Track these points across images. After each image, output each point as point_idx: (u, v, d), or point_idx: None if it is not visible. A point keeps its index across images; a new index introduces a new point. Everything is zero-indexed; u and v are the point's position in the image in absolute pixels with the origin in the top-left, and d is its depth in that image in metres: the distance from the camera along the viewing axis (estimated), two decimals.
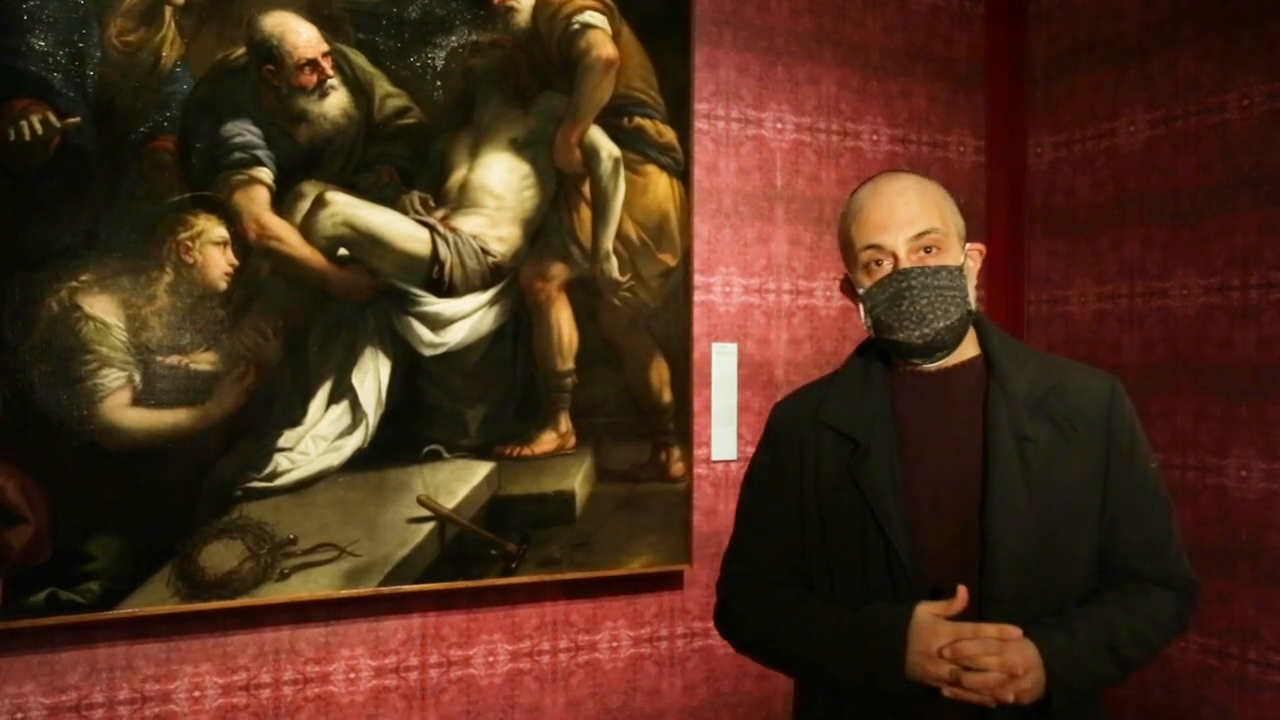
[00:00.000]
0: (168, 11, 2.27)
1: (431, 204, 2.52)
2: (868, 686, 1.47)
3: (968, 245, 1.59)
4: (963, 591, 1.43)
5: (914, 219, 1.52)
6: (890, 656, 1.44)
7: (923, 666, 1.42)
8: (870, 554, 1.53)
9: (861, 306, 1.58)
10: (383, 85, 2.47)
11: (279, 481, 2.36)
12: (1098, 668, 1.47)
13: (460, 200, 2.55)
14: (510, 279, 2.60)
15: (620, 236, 2.71)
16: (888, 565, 1.51)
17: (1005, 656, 1.38)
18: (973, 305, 1.56)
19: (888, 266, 1.53)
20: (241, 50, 2.34)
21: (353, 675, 2.51)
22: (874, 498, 1.53)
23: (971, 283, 1.57)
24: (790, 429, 1.68)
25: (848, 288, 1.63)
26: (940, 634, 1.41)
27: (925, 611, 1.44)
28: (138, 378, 2.24)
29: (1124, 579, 1.55)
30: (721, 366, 2.93)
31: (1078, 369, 1.62)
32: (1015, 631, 1.41)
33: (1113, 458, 1.54)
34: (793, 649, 1.58)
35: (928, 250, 1.52)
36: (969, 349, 1.59)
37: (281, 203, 2.37)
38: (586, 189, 2.68)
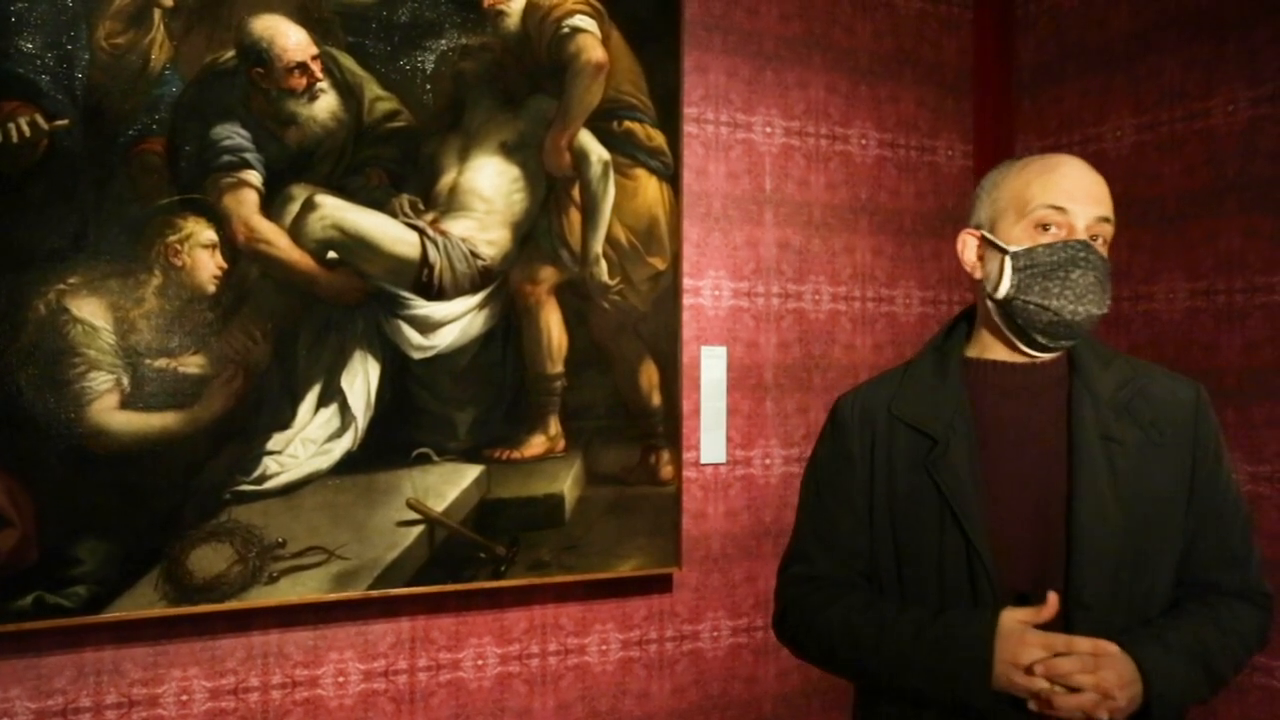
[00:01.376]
0: (157, 14, 2.27)
1: (421, 207, 2.52)
2: (951, 698, 1.40)
3: None
4: (1053, 598, 1.36)
5: (1102, 200, 1.48)
6: (976, 667, 1.36)
7: (1009, 678, 1.34)
8: (948, 555, 1.47)
9: (1008, 264, 1.48)
10: (372, 88, 2.47)
11: (268, 485, 2.35)
12: (1192, 683, 1.40)
13: (450, 203, 2.55)
14: (500, 282, 2.60)
15: (610, 240, 2.71)
16: (968, 566, 1.45)
17: (1100, 675, 1.31)
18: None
19: (1061, 234, 1.46)
20: (231, 53, 2.33)
21: (341, 679, 2.51)
22: (954, 496, 1.46)
23: None
24: (861, 423, 1.60)
25: (984, 245, 1.54)
26: (1029, 644, 1.34)
27: (1011, 619, 1.37)
28: (126, 381, 2.23)
29: (1205, 591, 1.49)
30: (711, 370, 2.94)
31: (1162, 373, 1.56)
32: (1111, 647, 1.34)
33: (1199, 466, 1.50)
34: (867, 659, 1.50)
35: (1098, 238, 1.48)
36: None
37: (270, 206, 2.36)
38: (576, 192, 2.69)
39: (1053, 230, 1.46)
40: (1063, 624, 1.40)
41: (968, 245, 1.57)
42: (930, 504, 1.49)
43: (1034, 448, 1.49)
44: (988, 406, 1.52)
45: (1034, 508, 1.47)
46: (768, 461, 3.01)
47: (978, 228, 1.56)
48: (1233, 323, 2.73)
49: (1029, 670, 1.34)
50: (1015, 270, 1.47)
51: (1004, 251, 1.49)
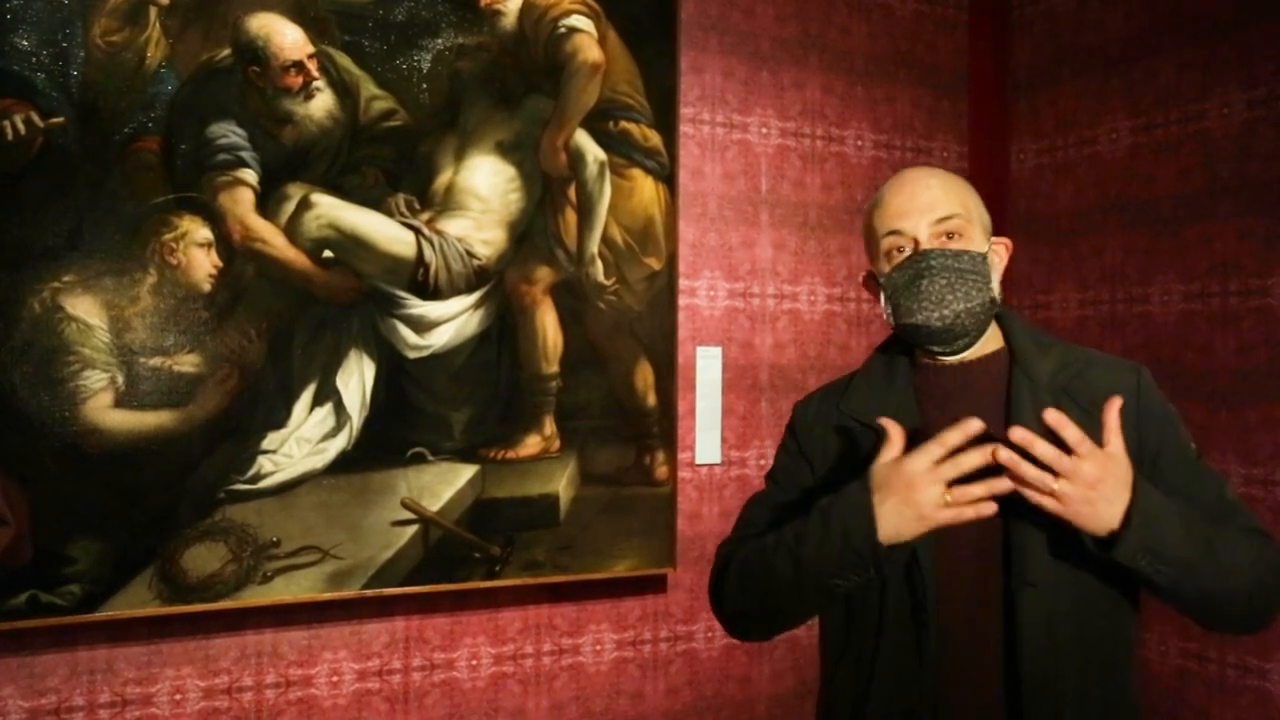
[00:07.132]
0: (152, 12, 2.27)
1: (417, 206, 2.52)
2: (843, 562, 1.39)
3: (993, 240, 1.58)
4: (894, 429, 1.40)
5: (935, 204, 1.52)
6: (861, 511, 1.37)
7: (908, 508, 1.35)
8: None
9: (882, 295, 1.56)
10: (368, 87, 2.47)
11: (262, 484, 2.35)
12: (1185, 538, 1.35)
13: (446, 203, 2.55)
14: (495, 282, 2.60)
15: (605, 240, 2.71)
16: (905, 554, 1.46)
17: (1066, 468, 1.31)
18: (996, 295, 1.53)
19: (909, 251, 1.52)
20: (227, 51, 2.33)
21: (335, 678, 2.50)
22: None
23: (996, 276, 1.55)
24: (813, 423, 1.66)
25: (871, 282, 1.63)
26: (913, 457, 1.36)
27: (879, 462, 1.39)
28: (120, 379, 2.23)
29: None
30: (706, 370, 2.94)
31: (1102, 357, 1.59)
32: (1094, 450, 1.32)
33: (1147, 443, 1.49)
34: (773, 568, 1.49)
35: (950, 236, 1.51)
36: (993, 342, 1.57)
37: (266, 204, 2.36)
38: (572, 192, 2.69)
39: (904, 252, 1.53)
40: (1007, 604, 1.42)
41: (864, 283, 1.67)
42: None
43: (976, 439, 1.49)
44: (932, 403, 1.57)
45: None
46: (763, 462, 3.01)
47: (870, 265, 1.64)
48: (1227, 325, 2.74)
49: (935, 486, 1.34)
50: (887, 298, 1.55)
51: (878, 284, 1.58)
